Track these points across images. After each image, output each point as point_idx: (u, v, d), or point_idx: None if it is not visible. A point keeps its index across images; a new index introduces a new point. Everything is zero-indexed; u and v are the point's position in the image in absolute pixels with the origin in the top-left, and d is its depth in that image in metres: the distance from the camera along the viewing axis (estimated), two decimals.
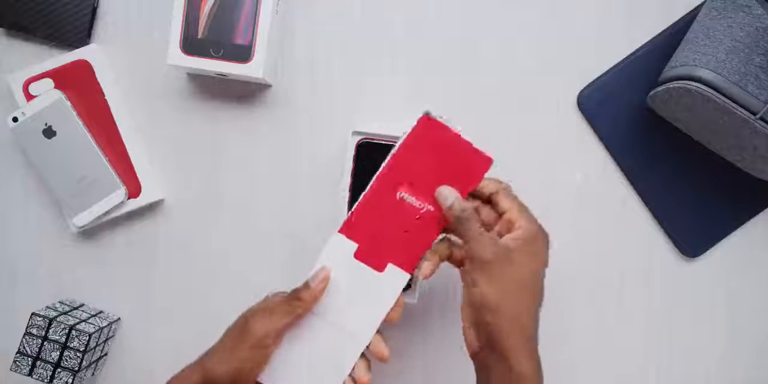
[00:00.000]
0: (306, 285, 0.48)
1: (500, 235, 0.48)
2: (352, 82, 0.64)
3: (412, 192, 0.50)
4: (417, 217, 0.50)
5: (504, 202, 0.49)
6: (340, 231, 0.50)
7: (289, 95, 0.64)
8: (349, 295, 0.49)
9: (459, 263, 0.50)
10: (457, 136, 0.50)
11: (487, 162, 0.50)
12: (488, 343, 0.46)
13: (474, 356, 0.48)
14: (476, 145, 0.50)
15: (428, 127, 0.50)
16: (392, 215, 0.50)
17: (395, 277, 0.49)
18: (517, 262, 0.47)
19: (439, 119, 0.50)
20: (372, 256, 0.50)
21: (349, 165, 0.60)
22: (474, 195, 0.50)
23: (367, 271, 0.49)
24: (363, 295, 0.49)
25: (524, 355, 0.46)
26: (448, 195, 0.49)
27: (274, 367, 0.49)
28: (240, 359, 0.47)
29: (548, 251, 0.49)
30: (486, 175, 0.50)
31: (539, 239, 0.48)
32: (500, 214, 0.49)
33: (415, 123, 0.50)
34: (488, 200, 0.50)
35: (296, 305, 0.48)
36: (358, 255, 0.50)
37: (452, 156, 0.50)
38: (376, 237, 0.50)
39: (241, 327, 0.49)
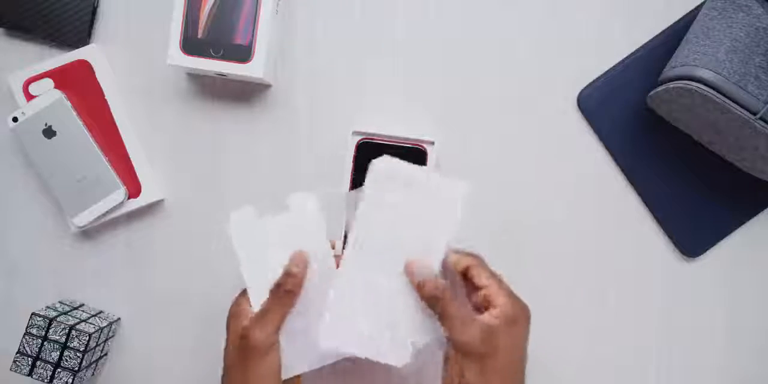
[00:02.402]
0: (290, 274, 0.47)
1: (478, 310, 0.46)
2: (352, 82, 0.64)
3: None
4: None
5: (480, 278, 0.47)
6: None
7: (289, 95, 0.64)
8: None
9: (444, 354, 0.47)
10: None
11: None
12: None
13: None
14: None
15: None
16: None
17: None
18: (503, 347, 0.45)
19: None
20: None
21: (349, 165, 0.60)
22: (447, 269, 0.48)
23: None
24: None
25: None
26: (417, 271, 0.46)
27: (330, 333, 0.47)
28: (260, 375, 0.47)
29: (529, 326, 0.47)
30: (457, 249, 0.48)
31: (521, 317, 0.46)
32: (475, 288, 0.47)
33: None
34: (463, 274, 0.48)
35: (287, 299, 0.47)
36: None
37: None
38: None
39: (242, 347, 0.47)
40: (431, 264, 0.47)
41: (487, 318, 0.45)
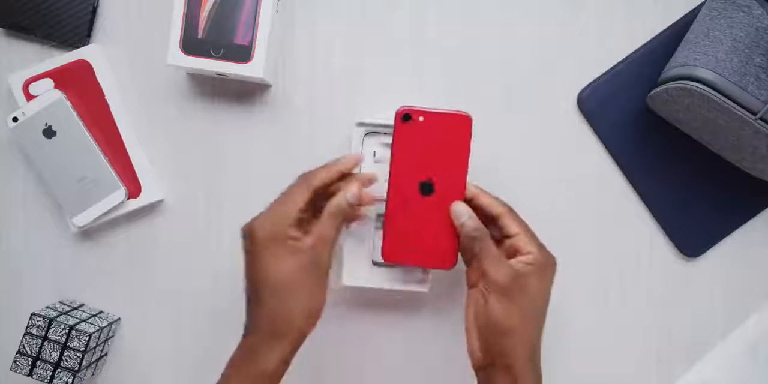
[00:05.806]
0: (351, 205, 0.50)
1: (506, 258, 0.49)
2: (353, 82, 0.64)
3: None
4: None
5: (511, 227, 0.50)
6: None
7: (289, 95, 0.64)
8: None
9: (472, 283, 0.50)
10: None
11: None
12: (496, 360, 0.47)
13: (478, 370, 0.49)
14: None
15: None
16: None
17: None
18: (532, 288, 0.48)
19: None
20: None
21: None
22: (481, 215, 0.51)
23: None
24: None
25: (532, 374, 0.47)
26: (462, 212, 0.50)
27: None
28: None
29: (555, 275, 0.50)
30: (489, 193, 0.51)
31: (549, 266, 0.50)
32: (504, 236, 0.50)
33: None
34: (493, 219, 0.51)
35: (341, 219, 0.51)
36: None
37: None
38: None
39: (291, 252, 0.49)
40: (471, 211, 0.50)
41: (519, 264, 0.48)
